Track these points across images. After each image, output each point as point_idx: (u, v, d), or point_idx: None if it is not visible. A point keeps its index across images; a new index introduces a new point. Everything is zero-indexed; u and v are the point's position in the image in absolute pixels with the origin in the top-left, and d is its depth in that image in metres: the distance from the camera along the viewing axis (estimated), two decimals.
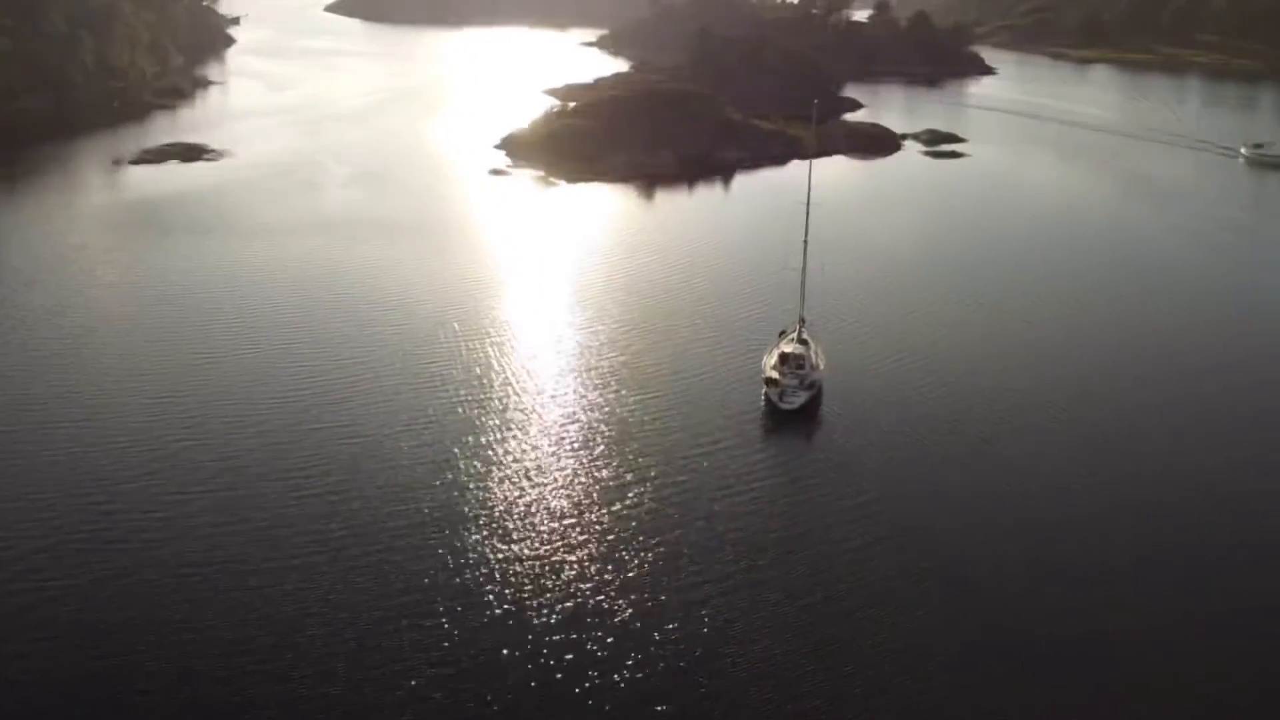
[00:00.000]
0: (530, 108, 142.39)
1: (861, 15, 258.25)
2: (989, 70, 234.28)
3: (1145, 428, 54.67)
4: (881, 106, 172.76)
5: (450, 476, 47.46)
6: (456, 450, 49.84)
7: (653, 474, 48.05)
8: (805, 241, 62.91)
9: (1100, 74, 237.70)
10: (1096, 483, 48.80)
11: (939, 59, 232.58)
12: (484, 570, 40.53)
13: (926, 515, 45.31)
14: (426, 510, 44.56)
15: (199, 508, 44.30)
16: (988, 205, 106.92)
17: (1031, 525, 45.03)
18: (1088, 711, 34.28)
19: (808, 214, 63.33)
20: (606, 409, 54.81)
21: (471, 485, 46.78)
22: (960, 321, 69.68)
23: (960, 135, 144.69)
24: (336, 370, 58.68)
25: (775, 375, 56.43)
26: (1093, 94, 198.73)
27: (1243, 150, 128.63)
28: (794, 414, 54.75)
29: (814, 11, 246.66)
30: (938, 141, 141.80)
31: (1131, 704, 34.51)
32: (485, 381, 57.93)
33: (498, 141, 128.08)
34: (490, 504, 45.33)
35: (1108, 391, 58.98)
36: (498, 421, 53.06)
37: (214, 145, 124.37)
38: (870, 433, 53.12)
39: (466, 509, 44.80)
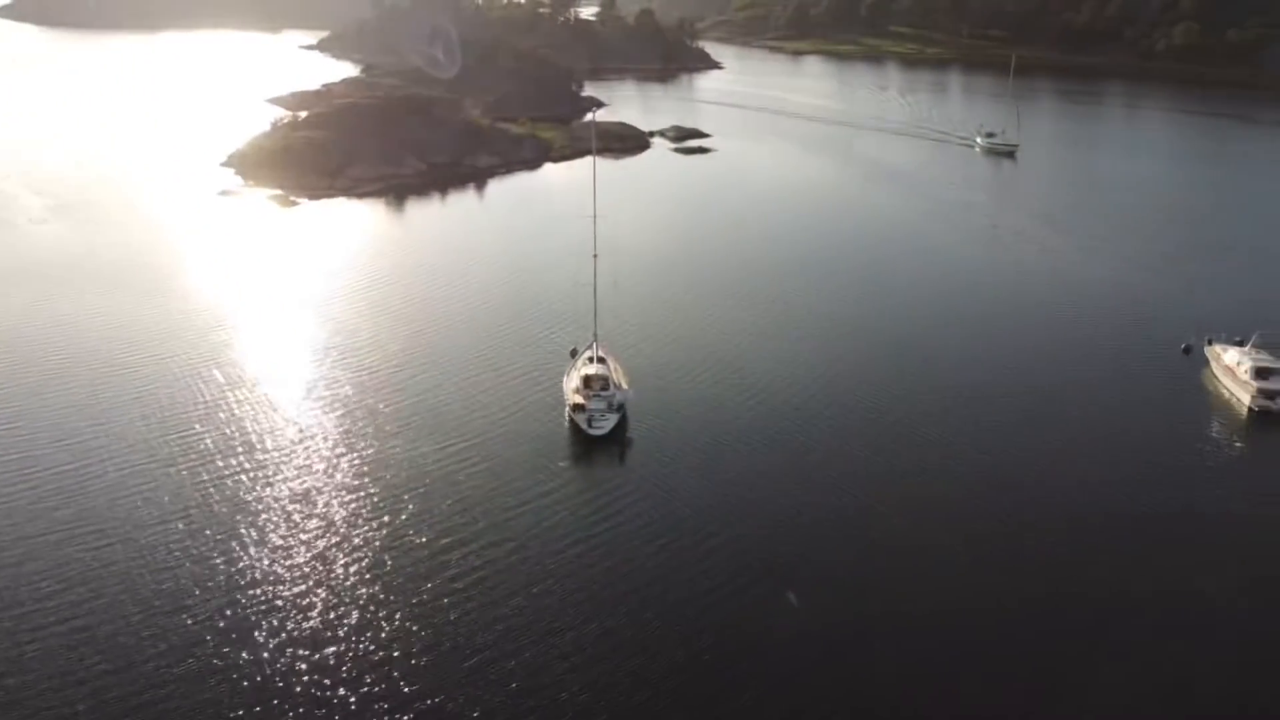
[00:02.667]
0: (256, 119, 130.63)
1: (589, 13, 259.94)
2: (716, 65, 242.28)
3: (941, 410, 55.56)
4: (621, 104, 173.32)
5: (230, 571, 39.92)
6: (235, 534, 42.19)
7: (471, 534, 42.78)
8: (595, 255, 59.63)
9: (815, 65, 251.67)
10: (905, 474, 48.86)
11: (668, 55, 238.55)
12: (291, 686, 33.89)
13: (759, 535, 43.17)
14: (206, 621, 36.89)
15: None
16: (751, 202, 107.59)
17: (852, 523, 44.39)
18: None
19: (595, 224, 60.09)
20: (405, 462, 48.77)
21: (257, 581, 39.45)
22: (749, 322, 68.92)
23: (704, 131, 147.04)
24: (66, 452, 48.62)
25: (580, 400, 53.11)
26: (821, 86, 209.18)
27: (978, 140, 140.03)
28: (604, 438, 51.72)
29: (541, 10, 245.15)
30: (684, 138, 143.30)
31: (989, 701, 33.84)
32: (259, 446, 50.02)
33: (224, 159, 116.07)
34: (285, 603, 38.27)
35: (898, 377, 60.03)
36: (280, 493, 45.71)
37: None
38: (683, 450, 50.66)
39: (255, 613, 37.53)
